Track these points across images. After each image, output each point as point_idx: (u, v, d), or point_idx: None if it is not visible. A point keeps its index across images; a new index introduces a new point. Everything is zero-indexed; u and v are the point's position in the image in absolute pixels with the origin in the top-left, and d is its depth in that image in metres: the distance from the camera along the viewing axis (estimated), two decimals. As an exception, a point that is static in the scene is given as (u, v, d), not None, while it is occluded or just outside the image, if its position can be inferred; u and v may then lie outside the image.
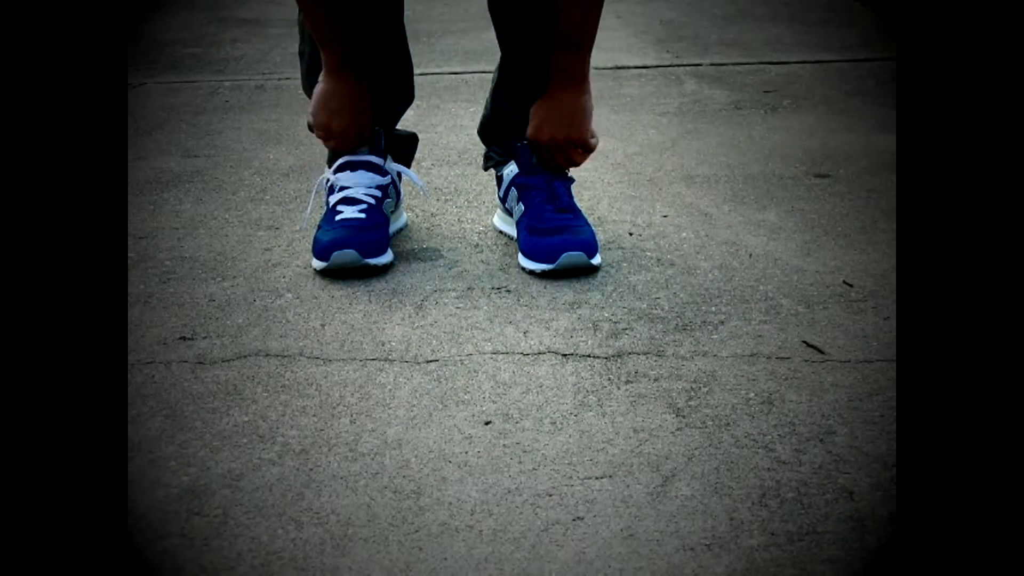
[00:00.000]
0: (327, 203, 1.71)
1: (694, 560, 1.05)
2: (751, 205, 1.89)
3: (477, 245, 1.75)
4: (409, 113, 2.38)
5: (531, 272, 1.64)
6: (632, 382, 1.35)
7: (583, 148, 1.69)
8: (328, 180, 1.72)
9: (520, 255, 1.67)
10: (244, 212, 1.89)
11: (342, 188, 1.70)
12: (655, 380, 1.36)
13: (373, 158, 1.72)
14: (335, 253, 1.61)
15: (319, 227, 1.69)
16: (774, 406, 1.30)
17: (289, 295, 1.59)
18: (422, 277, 1.64)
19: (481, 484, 1.17)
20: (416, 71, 1.87)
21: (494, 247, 1.74)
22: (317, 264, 1.63)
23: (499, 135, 1.78)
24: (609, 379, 1.36)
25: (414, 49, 1.85)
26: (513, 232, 1.75)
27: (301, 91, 1.83)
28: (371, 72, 1.70)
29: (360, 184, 1.70)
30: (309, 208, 1.75)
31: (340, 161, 1.72)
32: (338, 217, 1.67)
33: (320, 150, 2.19)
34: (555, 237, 1.63)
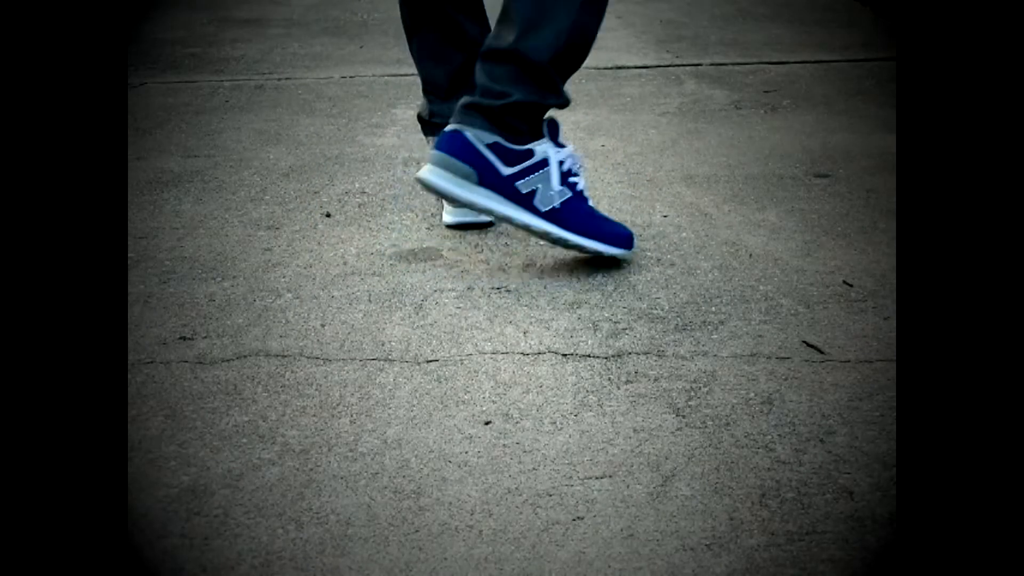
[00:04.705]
0: (571, 185, 1.64)
1: (694, 560, 1.05)
2: (751, 205, 1.89)
3: (477, 245, 1.75)
4: (408, 112, 2.38)
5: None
6: (632, 382, 1.35)
7: None
8: (561, 159, 1.64)
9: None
10: (244, 212, 1.89)
11: (574, 168, 1.67)
12: (655, 380, 1.36)
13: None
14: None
15: (596, 214, 1.66)
16: (774, 406, 1.30)
17: (289, 295, 1.59)
18: (422, 277, 1.64)
19: (481, 484, 1.17)
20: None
21: (494, 247, 1.74)
22: (628, 253, 1.66)
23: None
24: (609, 379, 1.36)
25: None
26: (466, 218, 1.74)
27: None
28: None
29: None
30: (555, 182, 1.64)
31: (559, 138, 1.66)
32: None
33: (319, 150, 2.19)
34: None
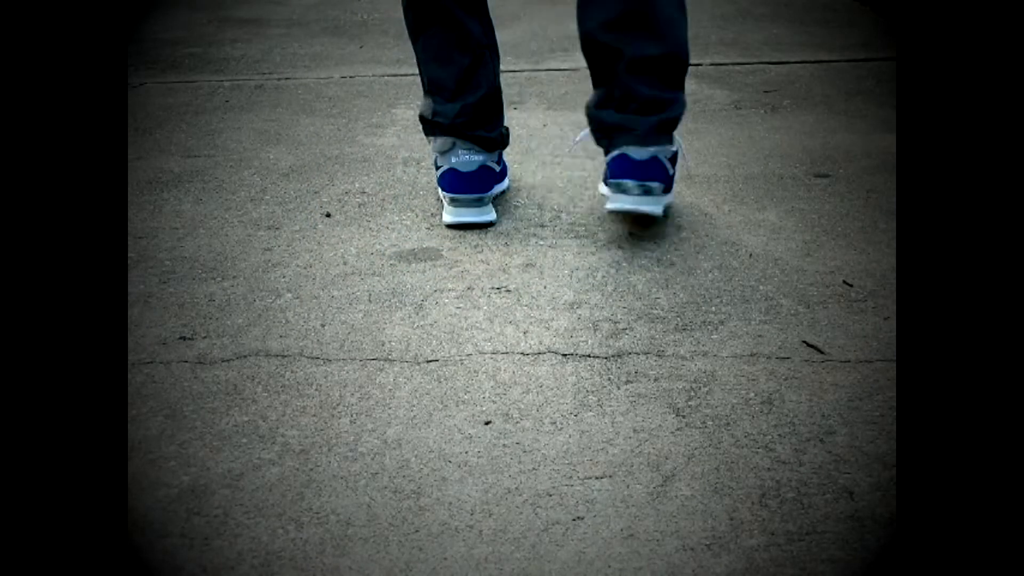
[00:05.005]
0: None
1: (694, 560, 1.05)
2: (751, 205, 1.89)
3: (477, 245, 1.75)
4: (408, 112, 2.38)
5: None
6: (632, 382, 1.35)
7: None
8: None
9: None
10: (244, 212, 1.89)
11: None
12: (655, 380, 1.36)
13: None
14: None
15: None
16: (774, 406, 1.30)
17: (289, 295, 1.59)
18: (422, 277, 1.64)
19: (481, 484, 1.17)
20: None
21: (494, 247, 1.74)
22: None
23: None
24: (609, 379, 1.36)
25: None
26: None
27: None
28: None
29: None
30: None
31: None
32: None
33: (319, 150, 2.19)
34: None
